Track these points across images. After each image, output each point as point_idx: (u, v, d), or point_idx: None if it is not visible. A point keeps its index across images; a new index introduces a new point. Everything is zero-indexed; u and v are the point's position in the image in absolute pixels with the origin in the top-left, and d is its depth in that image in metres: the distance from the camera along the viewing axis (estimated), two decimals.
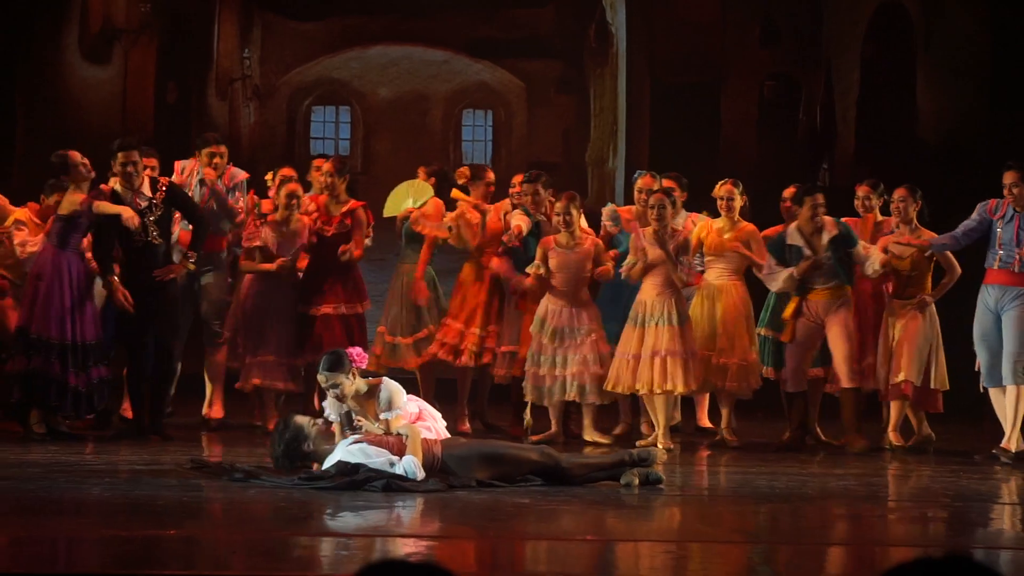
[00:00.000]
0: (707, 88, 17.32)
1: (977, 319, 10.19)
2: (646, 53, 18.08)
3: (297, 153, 18.83)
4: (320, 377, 8.39)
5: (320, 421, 8.37)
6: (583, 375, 10.62)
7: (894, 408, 10.55)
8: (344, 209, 11.20)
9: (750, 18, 17.49)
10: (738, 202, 10.78)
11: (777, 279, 10.56)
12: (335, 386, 8.29)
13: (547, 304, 10.72)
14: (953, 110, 15.68)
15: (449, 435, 8.65)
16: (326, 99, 19.65)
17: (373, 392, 8.36)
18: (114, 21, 17.45)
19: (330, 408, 8.44)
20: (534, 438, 10.54)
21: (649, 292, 10.50)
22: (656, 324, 10.45)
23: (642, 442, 10.33)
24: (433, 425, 8.49)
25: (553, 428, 10.78)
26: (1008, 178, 10.09)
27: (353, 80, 19.42)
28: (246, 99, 18.78)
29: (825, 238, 10.50)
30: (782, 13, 17.31)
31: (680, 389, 10.43)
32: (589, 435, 10.68)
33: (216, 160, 11.18)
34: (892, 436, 10.53)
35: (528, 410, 10.90)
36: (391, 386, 8.38)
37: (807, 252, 10.45)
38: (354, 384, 8.32)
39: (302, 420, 8.35)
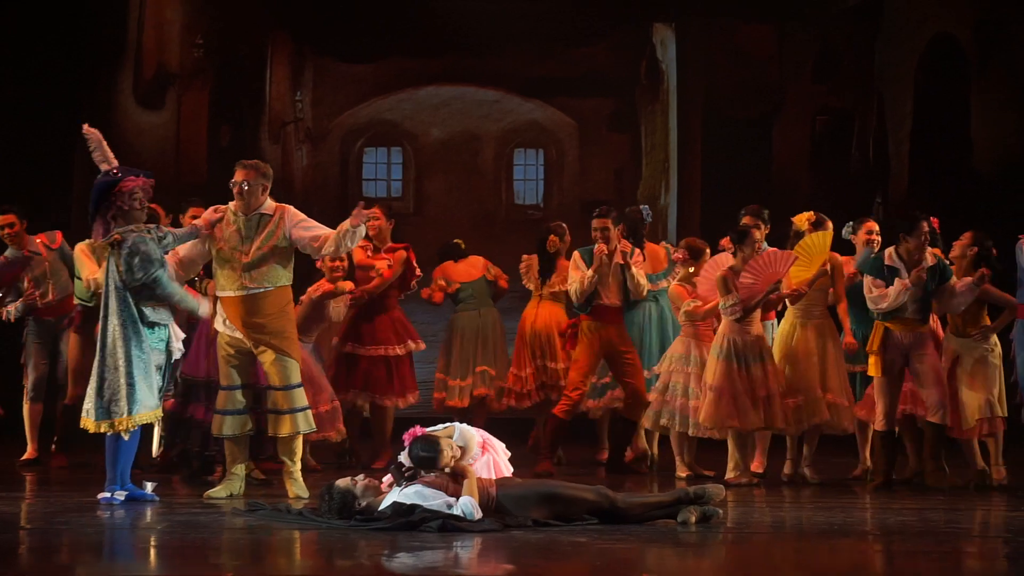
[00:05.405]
0: (760, 122, 17.29)
1: (1020, 351, 10.10)
2: (698, 89, 18.06)
3: (350, 194, 18.89)
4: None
5: (360, 477, 8.28)
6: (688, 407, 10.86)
7: (990, 444, 10.46)
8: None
9: (804, 52, 17.45)
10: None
11: (889, 296, 10.31)
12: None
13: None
14: (1008, 141, 15.58)
15: (511, 467, 8.59)
16: (378, 140, 19.70)
17: None
18: (168, 67, 17.61)
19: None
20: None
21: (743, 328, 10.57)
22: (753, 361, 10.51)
23: (729, 477, 10.44)
24: (493, 456, 8.43)
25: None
26: None
27: (404, 121, 19.46)
28: (299, 142, 18.87)
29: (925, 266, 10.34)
30: (835, 47, 17.27)
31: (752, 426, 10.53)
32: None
33: None
34: (995, 471, 10.45)
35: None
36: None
37: (905, 275, 10.28)
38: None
39: (344, 482, 8.23)
